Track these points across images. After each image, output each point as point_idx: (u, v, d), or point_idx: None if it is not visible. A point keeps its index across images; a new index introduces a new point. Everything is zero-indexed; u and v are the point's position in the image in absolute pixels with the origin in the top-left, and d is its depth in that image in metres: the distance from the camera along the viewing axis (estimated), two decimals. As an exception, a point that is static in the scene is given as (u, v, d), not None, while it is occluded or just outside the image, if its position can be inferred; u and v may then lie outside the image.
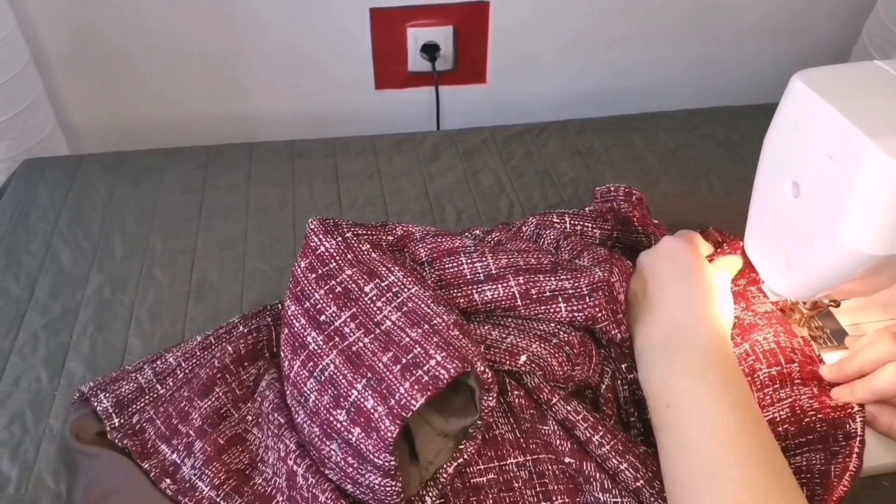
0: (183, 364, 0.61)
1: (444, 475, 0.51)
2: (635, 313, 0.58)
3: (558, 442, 0.54)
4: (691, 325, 0.53)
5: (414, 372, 0.48)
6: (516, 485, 0.53)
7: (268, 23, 1.03)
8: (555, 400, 0.55)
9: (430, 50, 1.10)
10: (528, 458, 0.54)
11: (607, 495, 0.50)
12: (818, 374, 0.53)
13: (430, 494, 0.51)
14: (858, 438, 0.49)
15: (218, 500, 0.52)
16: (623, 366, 0.59)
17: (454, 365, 0.48)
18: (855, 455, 0.48)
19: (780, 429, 0.52)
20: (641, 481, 0.50)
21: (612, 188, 0.71)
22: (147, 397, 0.58)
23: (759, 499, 0.43)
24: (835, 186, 0.46)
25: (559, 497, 0.52)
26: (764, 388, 0.54)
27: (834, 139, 0.46)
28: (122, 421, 0.56)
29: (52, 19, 0.98)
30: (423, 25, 1.07)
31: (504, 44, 1.11)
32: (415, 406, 0.46)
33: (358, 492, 0.49)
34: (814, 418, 0.51)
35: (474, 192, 0.83)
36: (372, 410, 0.47)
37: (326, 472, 0.50)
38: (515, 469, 0.54)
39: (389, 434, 0.46)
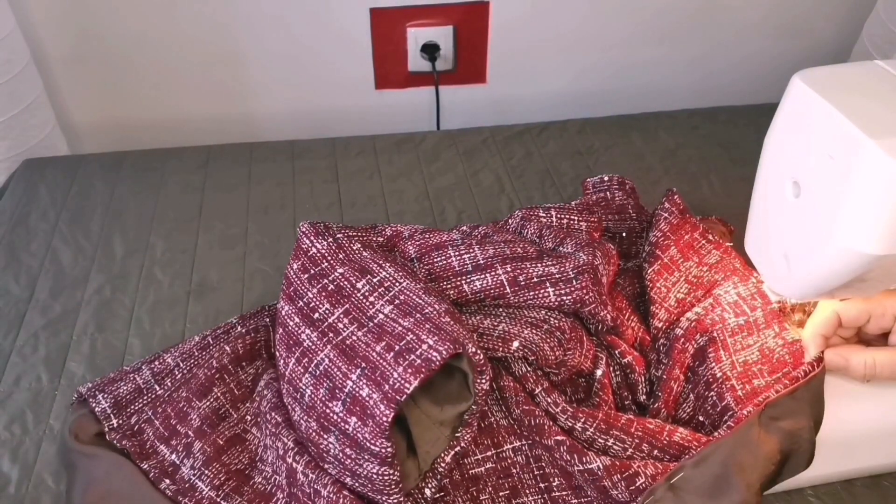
0: (181, 364, 0.61)
1: (443, 465, 0.52)
2: None
3: (551, 421, 0.55)
4: None
5: (407, 357, 0.48)
6: (514, 470, 0.54)
7: (268, 23, 1.03)
8: (538, 390, 0.56)
9: (430, 50, 1.09)
10: (524, 442, 0.55)
11: (607, 455, 0.53)
12: (777, 313, 0.58)
13: (430, 486, 0.51)
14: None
15: (218, 500, 0.52)
16: (616, 351, 0.59)
17: (446, 347, 0.48)
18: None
19: (754, 368, 0.56)
20: (631, 449, 0.52)
21: (606, 178, 0.73)
22: (145, 398, 0.58)
23: None
24: (835, 186, 0.46)
25: (556, 479, 0.53)
26: (735, 335, 0.58)
27: (834, 139, 0.46)
28: (120, 422, 0.56)
29: (52, 19, 0.98)
30: (423, 25, 1.07)
31: (504, 44, 1.11)
32: (409, 389, 0.47)
33: (357, 484, 0.49)
34: (781, 353, 0.56)
35: (474, 192, 0.83)
36: (367, 398, 0.48)
37: (325, 466, 0.51)
38: (512, 454, 0.55)
39: (385, 419, 0.46)
